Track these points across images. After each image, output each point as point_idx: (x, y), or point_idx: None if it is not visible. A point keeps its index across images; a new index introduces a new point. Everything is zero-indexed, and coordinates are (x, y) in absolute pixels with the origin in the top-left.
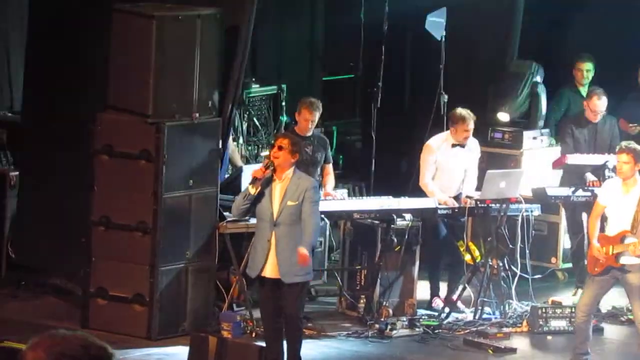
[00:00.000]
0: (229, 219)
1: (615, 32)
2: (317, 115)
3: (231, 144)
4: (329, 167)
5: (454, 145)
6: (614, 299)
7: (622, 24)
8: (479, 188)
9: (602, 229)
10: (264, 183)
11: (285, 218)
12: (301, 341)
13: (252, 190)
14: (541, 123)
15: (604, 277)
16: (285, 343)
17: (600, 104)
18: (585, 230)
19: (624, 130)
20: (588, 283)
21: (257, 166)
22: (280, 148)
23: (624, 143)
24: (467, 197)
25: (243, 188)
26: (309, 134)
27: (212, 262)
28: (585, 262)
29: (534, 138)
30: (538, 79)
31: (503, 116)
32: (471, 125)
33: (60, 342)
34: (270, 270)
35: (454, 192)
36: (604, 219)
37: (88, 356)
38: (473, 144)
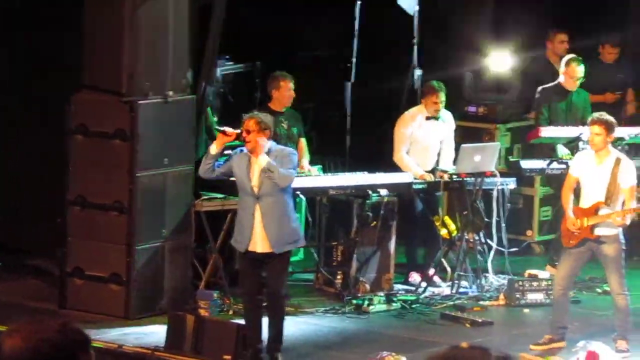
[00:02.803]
0: (204, 197)
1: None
2: (293, 84)
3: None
4: (303, 142)
5: (428, 118)
6: (590, 270)
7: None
8: (454, 162)
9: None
10: (243, 158)
11: (267, 189)
12: (284, 317)
13: (213, 150)
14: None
15: (580, 250)
16: (268, 320)
17: (580, 70)
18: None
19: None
20: (564, 256)
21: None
22: (248, 132)
23: (596, 114)
24: (442, 171)
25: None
26: (288, 106)
27: (189, 240)
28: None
29: None
30: None
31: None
32: (440, 97)
33: (38, 329)
34: (260, 245)
35: (430, 165)
36: (578, 191)
37: (66, 340)
38: (447, 117)
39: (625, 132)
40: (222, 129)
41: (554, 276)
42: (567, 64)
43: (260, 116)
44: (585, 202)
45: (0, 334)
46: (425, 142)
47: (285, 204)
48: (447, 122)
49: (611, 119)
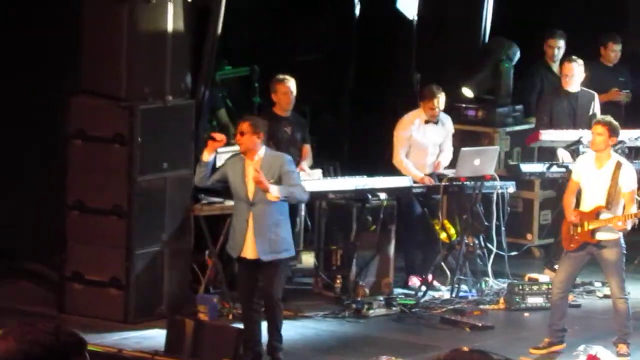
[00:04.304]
0: (203, 202)
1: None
2: (293, 86)
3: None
4: (307, 147)
5: (426, 122)
6: (591, 274)
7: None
8: (453, 165)
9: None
10: (237, 164)
11: (262, 197)
12: (281, 320)
13: (205, 157)
14: (509, 100)
15: (580, 253)
16: (267, 323)
17: (572, 67)
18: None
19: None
20: (563, 259)
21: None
22: (241, 134)
23: (601, 116)
24: (440, 175)
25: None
26: (290, 109)
27: (188, 244)
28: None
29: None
30: (508, 56)
31: (467, 92)
32: (437, 102)
33: (31, 331)
34: (249, 251)
35: (429, 169)
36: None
37: (59, 343)
38: (446, 120)
39: (626, 135)
40: (211, 134)
41: (553, 279)
42: (562, 63)
43: (254, 119)
44: (586, 206)
45: None
46: (423, 145)
47: (278, 212)
48: (446, 125)
49: (615, 122)
